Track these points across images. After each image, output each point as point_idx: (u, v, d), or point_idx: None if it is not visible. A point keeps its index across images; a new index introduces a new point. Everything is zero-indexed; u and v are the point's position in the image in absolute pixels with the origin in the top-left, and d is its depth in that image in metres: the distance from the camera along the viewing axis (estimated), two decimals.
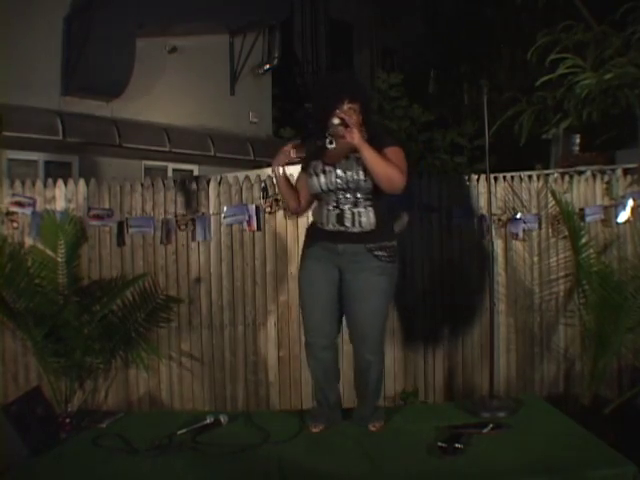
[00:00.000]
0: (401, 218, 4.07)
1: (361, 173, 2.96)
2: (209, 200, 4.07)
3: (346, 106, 3.01)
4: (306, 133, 10.05)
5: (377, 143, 2.97)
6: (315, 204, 3.20)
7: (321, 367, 3.19)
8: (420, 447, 2.95)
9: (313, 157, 3.15)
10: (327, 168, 3.05)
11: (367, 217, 3.01)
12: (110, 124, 8.33)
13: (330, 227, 3.05)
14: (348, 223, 3.01)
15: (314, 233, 3.17)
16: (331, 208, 3.04)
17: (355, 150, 2.95)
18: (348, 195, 3.01)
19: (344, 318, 3.16)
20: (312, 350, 3.17)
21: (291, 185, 3.25)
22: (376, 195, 3.02)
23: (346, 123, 2.92)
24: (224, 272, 4.08)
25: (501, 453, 2.87)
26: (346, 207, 3.01)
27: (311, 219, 3.30)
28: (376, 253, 3.01)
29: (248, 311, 4.09)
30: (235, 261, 4.08)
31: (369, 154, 2.88)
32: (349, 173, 2.98)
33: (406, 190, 3.03)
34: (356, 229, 3.01)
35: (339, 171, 3.00)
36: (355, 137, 2.88)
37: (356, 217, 3.01)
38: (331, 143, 2.97)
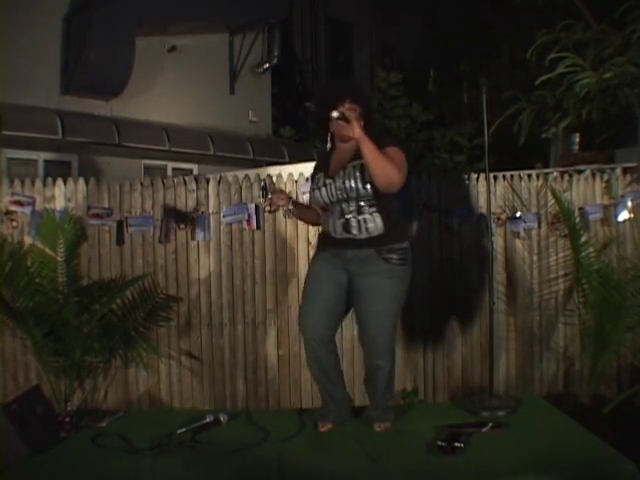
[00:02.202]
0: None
1: (359, 181, 2.98)
2: (208, 199, 4.07)
3: (347, 106, 3.03)
4: (305, 133, 10.09)
5: (378, 143, 2.97)
6: (322, 214, 3.22)
7: (318, 364, 3.19)
8: (420, 446, 2.96)
9: (318, 170, 3.21)
10: (327, 181, 3.09)
11: (374, 223, 3.02)
12: (109, 123, 8.34)
13: (338, 236, 3.07)
14: (355, 231, 3.02)
15: (324, 240, 3.20)
16: (336, 218, 3.07)
17: (354, 158, 3.01)
18: (351, 204, 3.03)
19: (354, 322, 3.19)
20: (308, 345, 3.16)
21: (305, 206, 3.35)
22: (380, 200, 3.02)
23: (346, 117, 2.93)
24: (224, 271, 4.08)
25: (500, 452, 2.87)
26: (350, 216, 3.03)
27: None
28: (385, 256, 3.02)
29: (248, 310, 4.08)
30: (235, 260, 4.08)
31: (369, 148, 2.88)
32: (347, 183, 3.00)
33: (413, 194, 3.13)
34: (363, 235, 3.02)
35: (338, 182, 3.03)
36: (356, 130, 2.89)
37: (362, 224, 3.02)
38: (331, 146, 3.08)
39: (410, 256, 3.12)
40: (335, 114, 2.95)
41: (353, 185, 2.99)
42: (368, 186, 2.97)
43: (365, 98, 3.24)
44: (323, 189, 3.08)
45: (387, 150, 2.98)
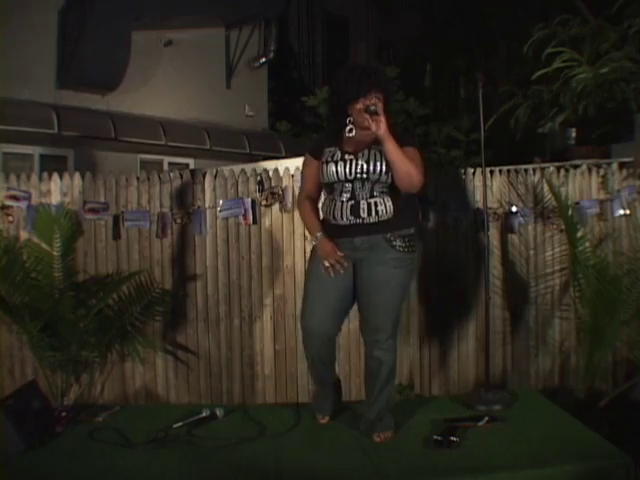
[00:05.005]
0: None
1: (384, 167, 2.90)
2: (205, 194, 4.06)
3: (373, 95, 2.92)
4: (301, 127, 10.07)
5: (396, 139, 2.88)
6: (324, 198, 3.08)
7: (320, 358, 3.12)
8: (416, 440, 2.96)
9: (327, 144, 3.06)
10: (347, 157, 2.95)
11: (384, 205, 2.93)
12: (105, 117, 8.32)
13: (345, 221, 2.94)
14: (364, 214, 2.91)
15: (327, 231, 3.02)
16: (345, 199, 2.94)
17: (376, 143, 2.90)
18: (365, 186, 2.92)
19: (357, 314, 3.10)
20: (307, 333, 3.07)
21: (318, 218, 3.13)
22: (392, 187, 2.94)
23: (376, 111, 2.84)
24: (220, 266, 4.07)
25: (496, 446, 2.88)
26: (361, 199, 2.92)
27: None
28: (393, 243, 2.93)
29: (244, 305, 4.08)
30: (231, 255, 4.08)
31: (393, 147, 2.82)
32: (372, 164, 2.90)
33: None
34: (372, 219, 2.92)
35: (361, 161, 2.92)
36: (382, 127, 2.81)
37: (372, 207, 2.91)
38: (350, 131, 2.98)
39: (417, 243, 3.04)
40: (368, 102, 2.86)
41: (378, 169, 2.90)
42: (390, 174, 2.89)
43: (390, 85, 3.14)
44: (340, 164, 2.94)
45: (405, 150, 2.90)
